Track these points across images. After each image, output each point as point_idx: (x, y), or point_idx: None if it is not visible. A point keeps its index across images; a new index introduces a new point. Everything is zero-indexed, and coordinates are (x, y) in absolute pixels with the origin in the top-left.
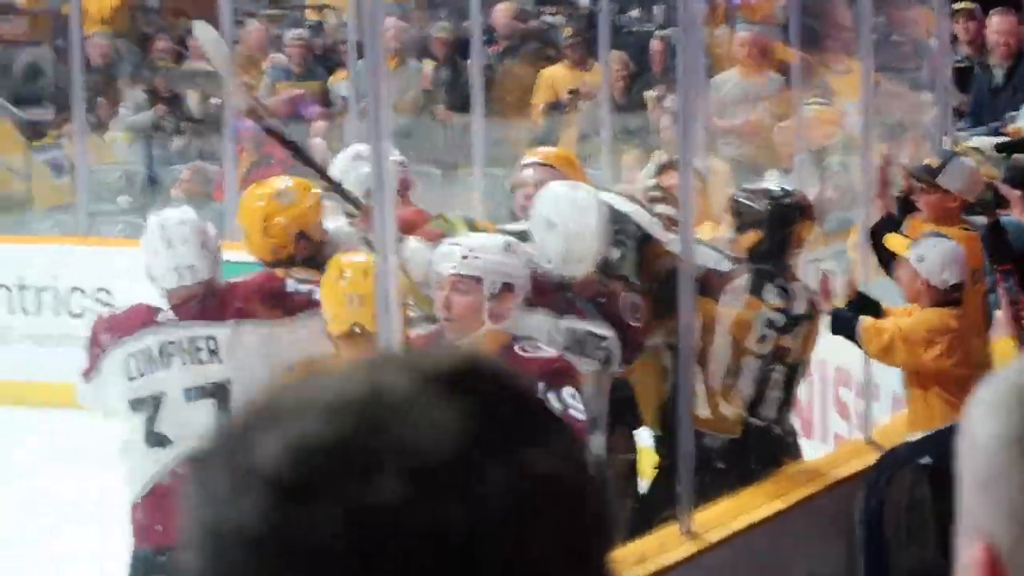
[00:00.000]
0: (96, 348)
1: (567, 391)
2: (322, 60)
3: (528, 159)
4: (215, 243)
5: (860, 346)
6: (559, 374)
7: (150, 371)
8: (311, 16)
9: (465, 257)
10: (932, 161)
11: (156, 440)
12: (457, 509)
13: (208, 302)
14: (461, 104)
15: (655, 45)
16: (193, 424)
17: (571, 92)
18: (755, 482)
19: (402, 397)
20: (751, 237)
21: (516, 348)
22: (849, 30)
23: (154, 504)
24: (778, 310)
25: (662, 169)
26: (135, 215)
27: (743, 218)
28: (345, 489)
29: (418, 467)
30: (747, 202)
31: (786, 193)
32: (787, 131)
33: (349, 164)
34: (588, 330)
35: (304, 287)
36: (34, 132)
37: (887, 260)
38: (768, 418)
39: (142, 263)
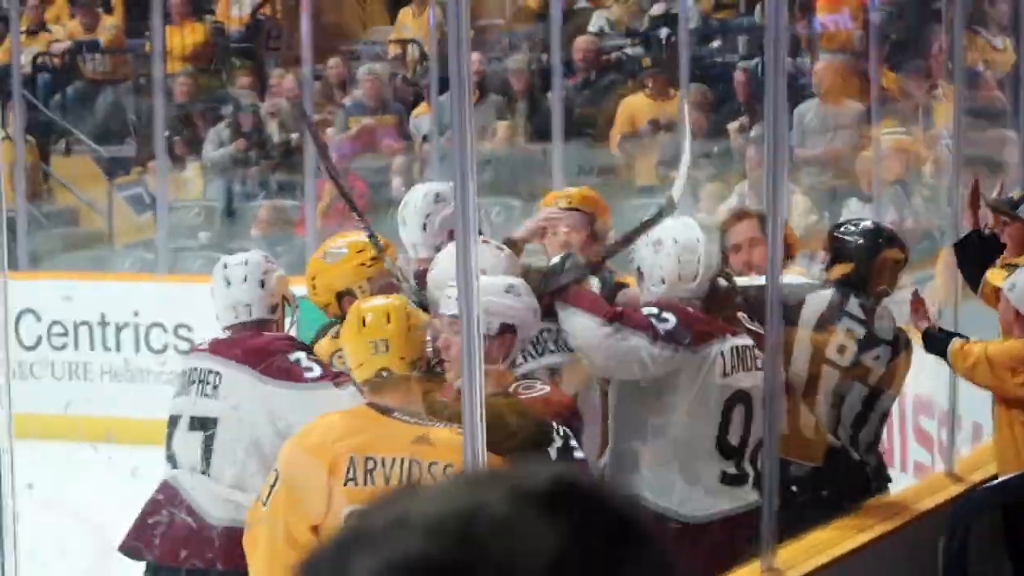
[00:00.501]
0: None
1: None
2: (403, 94)
3: (552, 206)
4: (275, 284)
5: (950, 365)
6: (561, 414)
7: (178, 393)
8: (393, 50)
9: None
10: (1016, 194)
11: (168, 459)
12: None
13: (226, 342)
14: (540, 135)
15: (739, 76)
16: (188, 453)
17: (650, 123)
18: (837, 513)
19: (500, 516)
20: (841, 268)
21: (514, 388)
22: (934, 56)
23: (142, 519)
24: (860, 322)
25: (734, 218)
26: (215, 251)
27: (837, 252)
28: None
29: None
30: (843, 236)
31: (876, 226)
32: (867, 160)
33: (431, 206)
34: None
35: (308, 364)
36: (115, 169)
37: (974, 277)
38: (847, 439)
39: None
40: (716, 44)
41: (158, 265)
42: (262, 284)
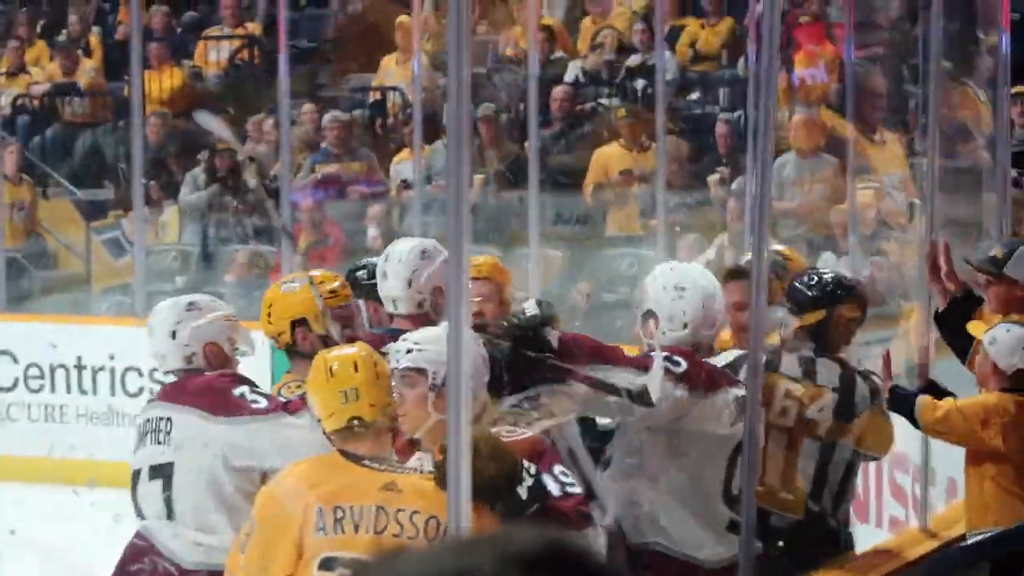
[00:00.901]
0: None
1: (557, 469)
2: (383, 141)
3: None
4: (187, 335)
5: (917, 422)
6: (544, 454)
7: (136, 447)
8: (374, 96)
9: (409, 351)
10: (998, 252)
11: (137, 513)
12: None
13: (172, 387)
14: (515, 183)
15: (720, 128)
16: (152, 503)
17: (622, 173)
18: (812, 569)
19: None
20: (802, 320)
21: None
22: (884, 99)
23: (123, 567)
24: (795, 379)
25: (727, 277)
26: (191, 295)
27: (796, 303)
28: None
29: None
30: (802, 287)
31: (835, 277)
32: (841, 213)
33: (418, 261)
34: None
35: (253, 397)
36: (93, 212)
37: (960, 348)
38: (810, 495)
39: None
40: (695, 96)
41: (135, 308)
42: (173, 335)
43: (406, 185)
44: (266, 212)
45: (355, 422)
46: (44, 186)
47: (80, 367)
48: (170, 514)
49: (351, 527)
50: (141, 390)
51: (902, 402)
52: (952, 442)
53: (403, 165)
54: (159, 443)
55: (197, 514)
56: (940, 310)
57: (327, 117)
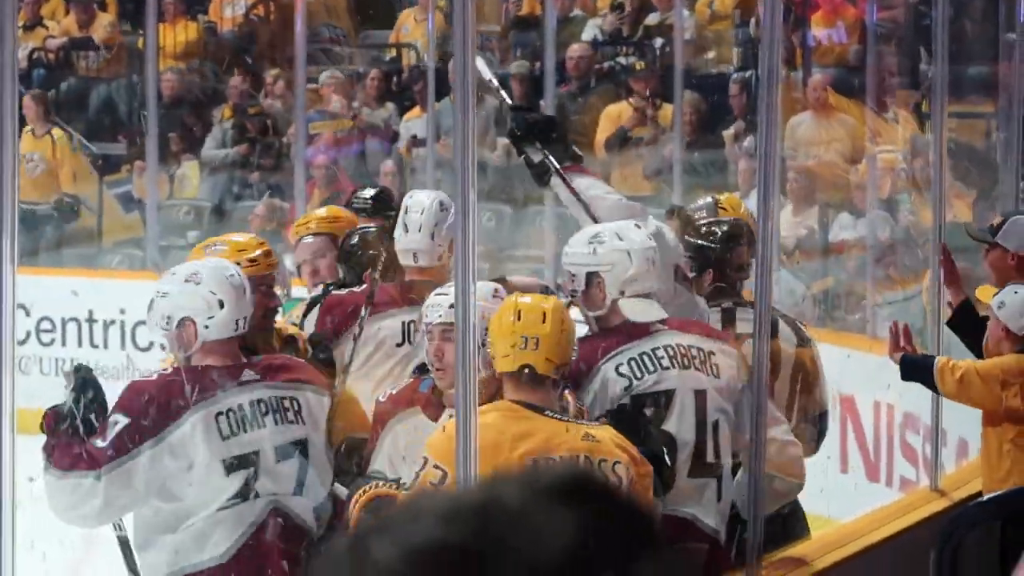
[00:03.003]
0: (148, 417)
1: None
2: (398, 98)
3: (300, 233)
4: (445, 235)
5: (936, 387)
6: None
7: (246, 430)
8: (389, 53)
9: (452, 306)
10: (996, 220)
11: (249, 496)
12: None
13: (270, 368)
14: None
15: (734, 88)
16: (281, 482)
17: (620, 128)
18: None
19: (515, 507)
20: (707, 278)
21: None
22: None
23: (246, 560)
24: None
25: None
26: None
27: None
28: None
29: (531, 573)
30: (693, 242)
31: (725, 224)
32: (860, 175)
33: (439, 214)
34: None
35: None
36: (107, 166)
37: (976, 347)
38: None
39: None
40: (710, 55)
41: (147, 263)
42: (432, 236)
43: (417, 142)
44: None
45: (526, 370)
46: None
47: (92, 321)
48: (299, 490)
49: None
50: (152, 344)
51: (918, 368)
52: (971, 404)
53: (413, 122)
54: (290, 422)
55: (314, 489)
56: (953, 314)
57: (323, 75)
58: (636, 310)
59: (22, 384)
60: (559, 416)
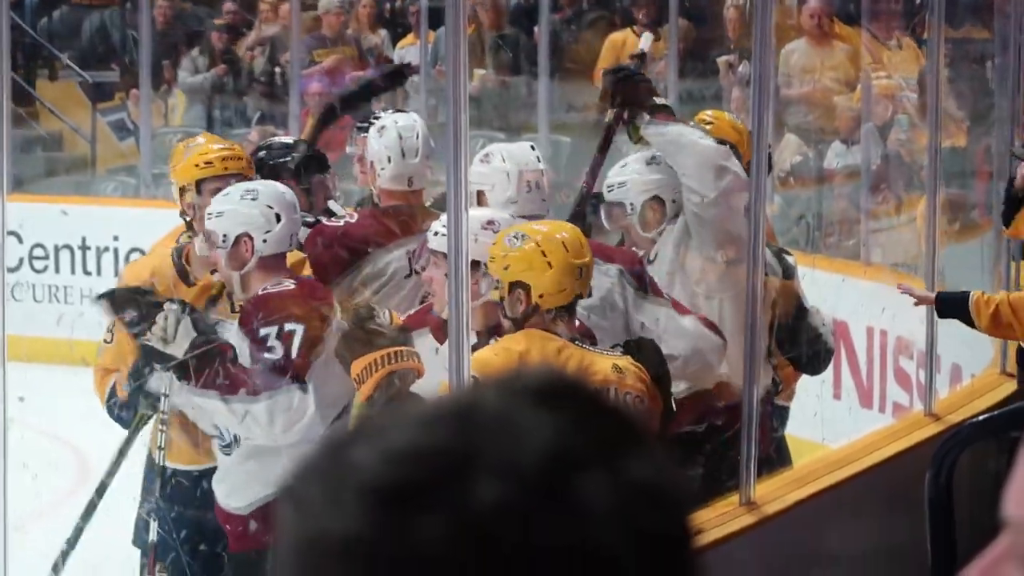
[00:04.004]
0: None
1: None
2: (391, 25)
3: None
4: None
5: (974, 322)
6: None
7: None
8: None
9: (436, 233)
10: None
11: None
12: (555, 515)
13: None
14: (524, 69)
15: (730, 13)
16: None
17: (633, 56)
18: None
19: (495, 409)
20: None
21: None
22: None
23: None
24: None
25: None
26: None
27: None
28: (443, 494)
29: (514, 473)
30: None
31: None
32: (847, 103)
33: (428, 135)
34: None
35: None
36: (100, 94)
37: (1008, 215)
38: None
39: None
40: None
41: (140, 190)
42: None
43: (411, 70)
44: (272, 94)
45: (578, 300)
46: (51, 67)
47: (85, 248)
48: None
49: None
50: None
51: (954, 304)
52: (1011, 337)
53: (407, 50)
54: None
55: None
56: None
57: (322, 3)
58: None
59: (15, 310)
60: (587, 346)
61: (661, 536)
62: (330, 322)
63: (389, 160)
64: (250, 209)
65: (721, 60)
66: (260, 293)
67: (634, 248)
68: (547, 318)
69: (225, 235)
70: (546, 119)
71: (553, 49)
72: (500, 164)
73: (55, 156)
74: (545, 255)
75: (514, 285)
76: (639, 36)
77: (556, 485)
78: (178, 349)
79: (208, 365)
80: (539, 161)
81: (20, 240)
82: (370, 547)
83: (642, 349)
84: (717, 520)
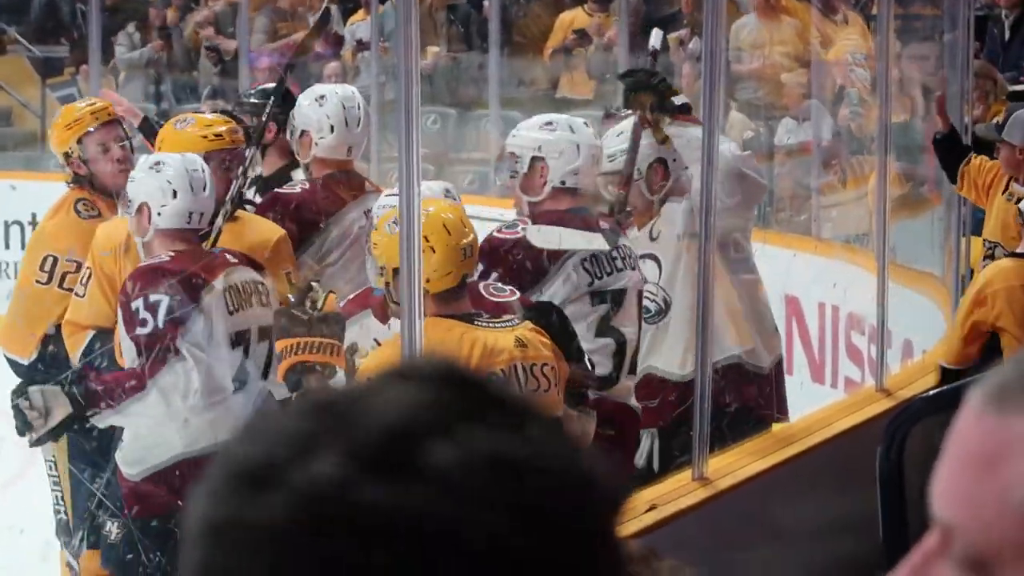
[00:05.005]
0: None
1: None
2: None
3: None
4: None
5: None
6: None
7: (243, 307)
8: None
9: (380, 206)
10: (999, 119)
11: (246, 381)
12: (388, 485)
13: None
14: (475, 44)
15: None
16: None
17: (575, 32)
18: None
19: (354, 393)
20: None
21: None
22: None
23: None
24: None
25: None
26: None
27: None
28: (287, 472)
29: (351, 447)
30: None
31: None
32: (800, 77)
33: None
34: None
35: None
36: (49, 69)
37: (952, 171)
38: None
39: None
40: None
41: None
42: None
43: (360, 45)
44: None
45: (467, 279)
46: (1, 43)
47: (34, 223)
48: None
49: None
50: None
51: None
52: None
53: (357, 26)
54: (264, 305)
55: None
56: (938, 135)
57: None
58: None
59: None
60: (492, 324)
61: (518, 507)
62: (208, 290)
63: (332, 130)
64: (152, 180)
65: (671, 37)
66: (134, 268)
67: (632, 216)
68: (437, 302)
69: (130, 200)
70: (497, 95)
71: (502, 24)
72: (568, 134)
73: (4, 131)
74: (428, 239)
75: (397, 271)
76: (590, 16)
77: (393, 456)
78: (60, 416)
79: (89, 396)
80: (597, 138)
81: None
82: (224, 526)
83: (543, 313)
84: (670, 495)
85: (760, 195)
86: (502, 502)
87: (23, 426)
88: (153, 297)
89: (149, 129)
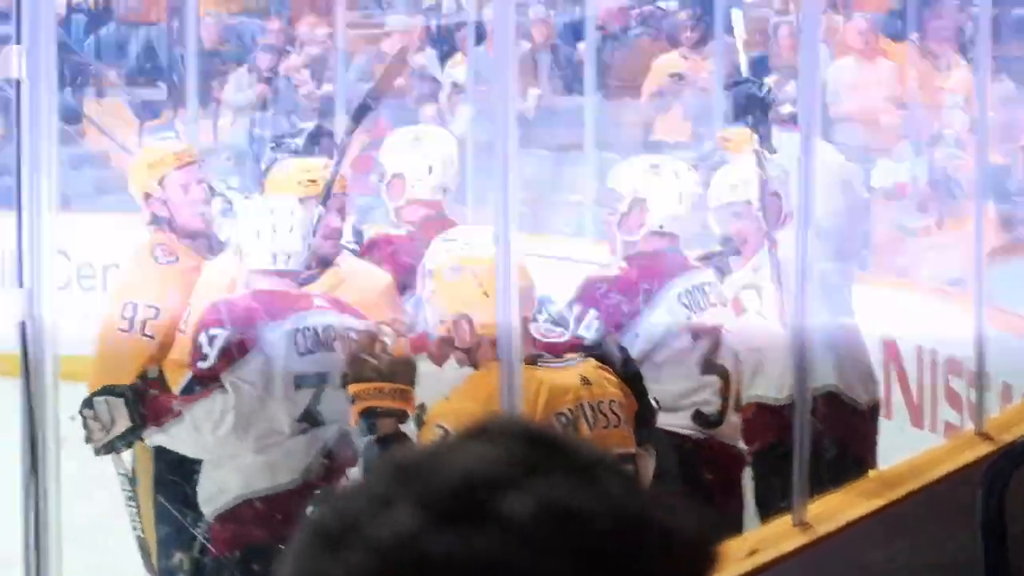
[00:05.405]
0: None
1: None
2: (437, 44)
3: None
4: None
5: None
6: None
7: (318, 349)
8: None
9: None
10: None
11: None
12: (470, 534)
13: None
14: (569, 87)
15: (783, 30)
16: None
17: (671, 75)
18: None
19: (433, 448)
20: None
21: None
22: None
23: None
24: None
25: None
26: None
27: None
28: (364, 528)
29: (427, 497)
30: None
31: None
32: (898, 119)
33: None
34: None
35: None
36: (147, 112)
37: None
38: None
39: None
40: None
41: None
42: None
43: (457, 88)
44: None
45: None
46: (99, 86)
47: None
48: None
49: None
50: None
51: None
52: None
53: (456, 69)
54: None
55: None
56: None
57: (392, 20)
58: None
59: (64, 328)
60: (550, 363)
61: (587, 553)
62: (274, 330)
63: (430, 171)
64: (243, 221)
65: (767, 80)
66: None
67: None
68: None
69: (230, 241)
70: (593, 137)
71: (598, 66)
72: (671, 179)
73: (102, 174)
74: (481, 285)
75: (457, 318)
76: (685, 59)
77: (465, 507)
78: (121, 427)
79: (144, 413)
80: (698, 185)
81: (68, 259)
82: None
83: (604, 349)
84: (770, 540)
85: (865, 213)
86: (571, 549)
87: (88, 435)
88: (213, 331)
89: None
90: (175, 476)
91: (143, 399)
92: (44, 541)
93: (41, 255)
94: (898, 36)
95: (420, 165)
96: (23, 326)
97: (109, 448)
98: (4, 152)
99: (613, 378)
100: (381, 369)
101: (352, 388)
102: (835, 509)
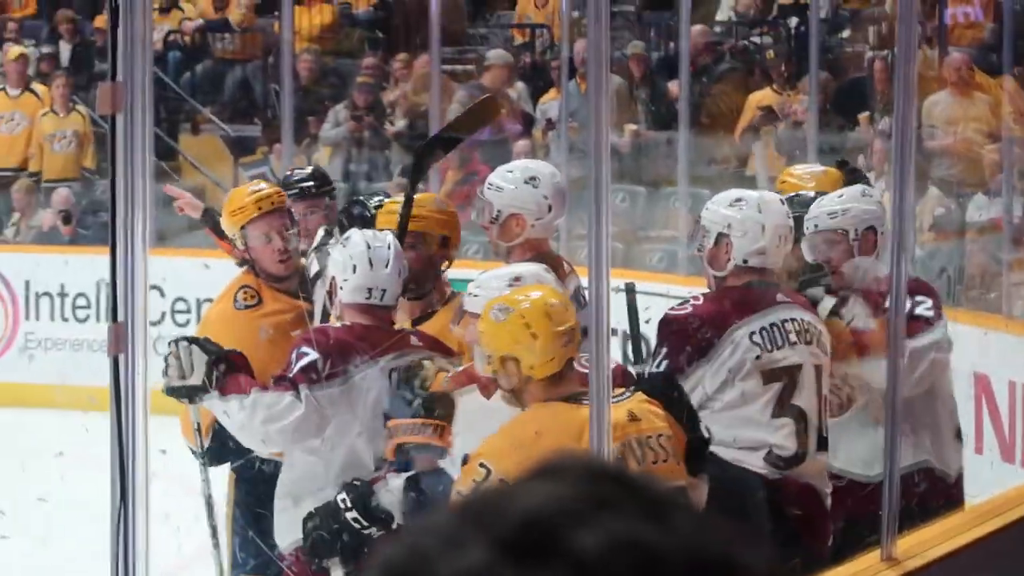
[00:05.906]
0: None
1: None
2: (530, 80)
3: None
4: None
5: None
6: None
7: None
8: (517, 36)
9: (471, 294)
10: None
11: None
12: (540, 570)
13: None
14: (661, 123)
15: (878, 64)
16: None
17: (762, 109)
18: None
19: (503, 488)
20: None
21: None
22: None
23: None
24: None
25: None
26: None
27: None
28: (435, 565)
29: (498, 534)
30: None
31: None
32: (995, 152)
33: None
34: None
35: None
36: (242, 148)
37: None
38: None
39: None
40: (846, 34)
41: None
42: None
43: (550, 124)
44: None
45: (573, 363)
46: (193, 122)
47: None
48: None
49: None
50: None
51: None
52: None
53: (549, 105)
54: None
55: None
56: None
57: (491, 54)
58: None
59: (158, 364)
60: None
61: None
62: (368, 365)
63: (550, 209)
64: (338, 255)
65: (862, 116)
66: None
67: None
68: (541, 387)
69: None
70: (686, 172)
71: (691, 102)
72: (755, 213)
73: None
74: (529, 327)
75: (504, 359)
76: (779, 94)
77: (535, 544)
78: (197, 378)
79: (218, 378)
80: (788, 217)
81: (162, 294)
82: None
83: (651, 382)
84: None
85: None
86: None
87: (164, 370)
88: (304, 348)
89: (212, 220)
90: (258, 505)
91: (226, 366)
92: (133, 573)
93: (135, 290)
94: (993, 70)
95: (542, 204)
96: (115, 360)
97: (174, 393)
98: (100, 189)
99: (660, 411)
100: (416, 404)
101: (390, 423)
102: (924, 545)
